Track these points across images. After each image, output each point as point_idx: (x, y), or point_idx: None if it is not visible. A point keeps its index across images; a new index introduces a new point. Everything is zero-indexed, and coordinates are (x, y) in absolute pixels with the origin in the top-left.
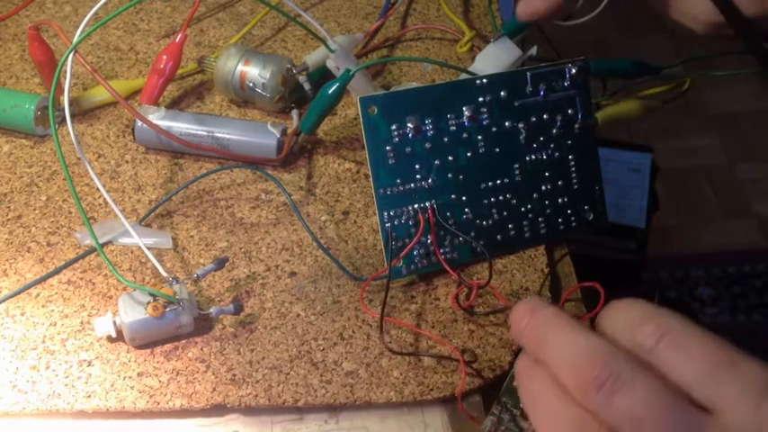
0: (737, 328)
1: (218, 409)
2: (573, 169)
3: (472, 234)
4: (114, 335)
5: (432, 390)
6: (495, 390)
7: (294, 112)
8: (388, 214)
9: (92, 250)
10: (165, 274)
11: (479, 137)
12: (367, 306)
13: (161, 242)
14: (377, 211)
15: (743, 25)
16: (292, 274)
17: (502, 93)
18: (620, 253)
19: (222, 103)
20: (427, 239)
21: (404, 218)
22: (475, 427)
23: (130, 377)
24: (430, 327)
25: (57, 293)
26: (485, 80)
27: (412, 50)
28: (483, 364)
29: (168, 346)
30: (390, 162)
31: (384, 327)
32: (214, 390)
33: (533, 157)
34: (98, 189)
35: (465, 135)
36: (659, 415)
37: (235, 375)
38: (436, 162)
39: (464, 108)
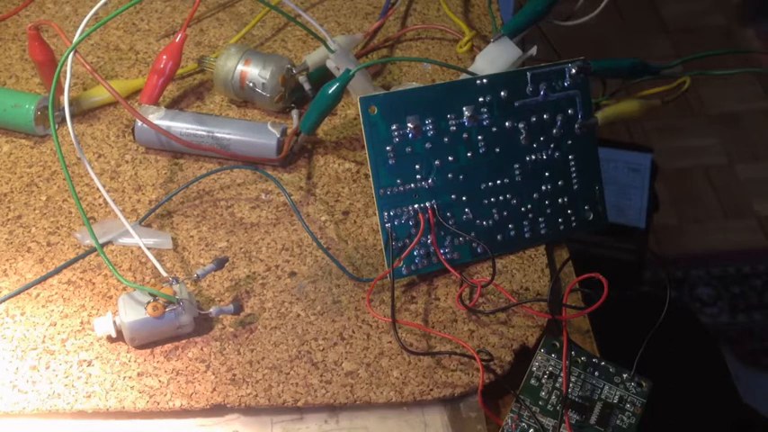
0: (737, 328)
1: (218, 409)
2: (573, 169)
3: (472, 234)
4: (114, 335)
5: (432, 390)
6: (495, 389)
7: (294, 112)
8: (389, 214)
9: (92, 250)
10: (165, 274)
11: (479, 137)
12: (369, 307)
13: (161, 242)
14: (377, 211)
15: None
16: (292, 274)
17: (502, 93)
18: (620, 253)
19: (222, 103)
20: (427, 240)
21: (404, 218)
22: (479, 426)
23: (130, 377)
24: (430, 327)
25: (57, 293)
26: (485, 80)
27: (412, 50)
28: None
29: (168, 346)
30: (390, 162)
31: (387, 327)
32: (214, 390)
33: (533, 157)
34: (98, 189)
35: (465, 135)
36: None
37: (235, 375)
38: (436, 162)
39: (464, 108)
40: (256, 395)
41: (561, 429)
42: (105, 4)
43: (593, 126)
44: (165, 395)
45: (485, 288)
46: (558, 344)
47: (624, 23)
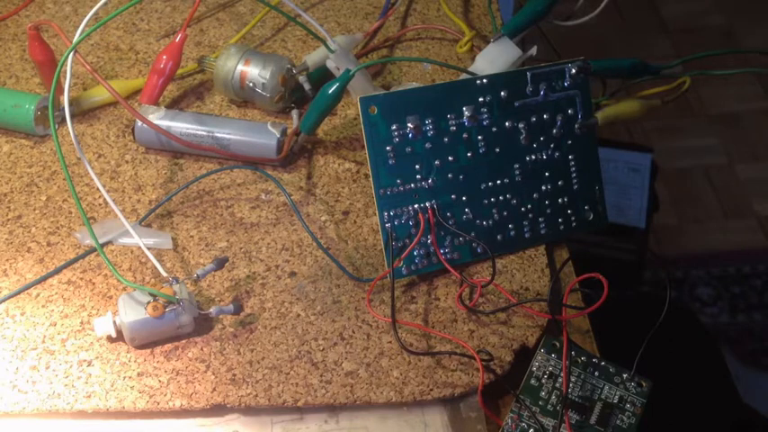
0: (737, 328)
1: (218, 409)
2: (573, 169)
3: (472, 234)
4: (114, 335)
5: (432, 390)
6: (495, 389)
7: (294, 112)
8: (389, 214)
9: (92, 250)
10: (165, 274)
11: (479, 137)
12: (369, 307)
13: (161, 242)
14: (377, 212)
15: None
16: (292, 274)
17: (502, 93)
18: (620, 253)
19: (222, 103)
20: (427, 240)
21: (404, 218)
22: (479, 426)
23: (130, 377)
24: (430, 327)
25: (57, 293)
26: (485, 80)
27: (412, 50)
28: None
29: (168, 346)
30: (390, 162)
31: (387, 327)
32: (214, 390)
33: (533, 157)
34: (98, 189)
35: (465, 135)
36: None
37: (235, 375)
38: (436, 162)
39: (464, 108)
40: (256, 395)
41: (561, 429)
42: (105, 4)
43: (593, 126)
44: (165, 395)
45: (485, 288)
46: (558, 344)
47: (624, 23)
